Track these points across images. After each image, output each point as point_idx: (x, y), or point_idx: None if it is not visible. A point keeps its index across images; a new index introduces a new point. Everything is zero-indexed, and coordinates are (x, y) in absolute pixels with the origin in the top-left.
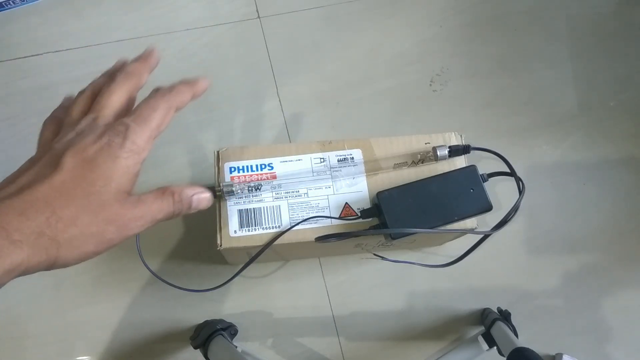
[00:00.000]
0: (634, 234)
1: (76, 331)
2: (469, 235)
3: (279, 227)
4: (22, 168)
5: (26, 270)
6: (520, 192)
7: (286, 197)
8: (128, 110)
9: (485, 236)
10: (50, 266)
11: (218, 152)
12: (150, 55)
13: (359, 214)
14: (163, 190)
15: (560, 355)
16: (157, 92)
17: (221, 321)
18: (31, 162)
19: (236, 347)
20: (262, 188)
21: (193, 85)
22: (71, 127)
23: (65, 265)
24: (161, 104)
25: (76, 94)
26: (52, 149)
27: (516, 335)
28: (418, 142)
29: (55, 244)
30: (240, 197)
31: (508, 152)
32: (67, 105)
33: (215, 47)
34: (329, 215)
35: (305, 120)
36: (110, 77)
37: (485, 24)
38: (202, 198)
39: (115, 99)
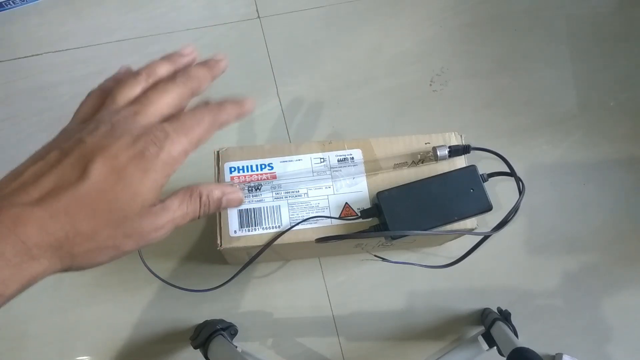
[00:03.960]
0: (634, 234)
1: (76, 331)
2: (469, 235)
3: (279, 227)
4: (50, 159)
5: (39, 280)
6: (520, 192)
7: (286, 197)
8: (173, 116)
9: (486, 237)
10: (62, 272)
11: (218, 152)
12: (218, 64)
13: (359, 214)
14: (190, 192)
15: (560, 355)
16: (205, 105)
17: (221, 321)
18: (60, 152)
19: (236, 347)
20: (262, 188)
21: (241, 105)
22: (109, 113)
23: (77, 270)
24: (207, 118)
25: (131, 70)
26: (82, 141)
27: (516, 335)
28: (418, 142)
29: (71, 256)
30: None
31: (508, 152)
32: (119, 78)
33: (215, 47)
34: (329, 215)
35: (305, 120)
36: (172, 72)
37: (485, 24)
38: (232, 199)
39: (166, 100)
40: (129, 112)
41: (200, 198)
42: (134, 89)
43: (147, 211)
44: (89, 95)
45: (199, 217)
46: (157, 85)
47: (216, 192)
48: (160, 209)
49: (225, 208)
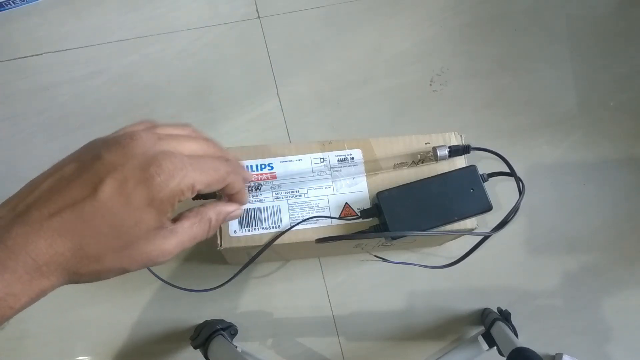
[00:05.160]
0: (634, 234)
1: (76, 331)
2: (469, 235)
3: (279, 227)
4: (66, 172)
5: (49, 293)
6: (520, 192)
7: (286, 197)
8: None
9: (486, 237)
10: (70, 284)
11: None
12: (243, 196)
13: (359, 214)
14: (200, 216)
15: (560, 355)
16: (227, 159)
17: (221, 321)
18: (77, 166)
19: (236, 347)
20: (262, 188)
21: (245, 194)
22: (136, 132)
23: (84, 283)
24: (223, 169)
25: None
26: (99, 157)
27: (516, 335)
28: (418, 142)
29: (78, 275)
30: None
31: (508, 152)
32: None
33: (215, 47)
34: (329, 215)
35: (305, 120)
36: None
37: (485, 24)
38: (234, 216)
39: (193, 146)
40: (153, 135)
41: (210, 222)
42: (177, 131)
43: (154, 235)
44: (138, 121)
45: (206, 238)
46: (195, 137)
47: (222, 212)
48: (170, 233)
49: (229, 220)
